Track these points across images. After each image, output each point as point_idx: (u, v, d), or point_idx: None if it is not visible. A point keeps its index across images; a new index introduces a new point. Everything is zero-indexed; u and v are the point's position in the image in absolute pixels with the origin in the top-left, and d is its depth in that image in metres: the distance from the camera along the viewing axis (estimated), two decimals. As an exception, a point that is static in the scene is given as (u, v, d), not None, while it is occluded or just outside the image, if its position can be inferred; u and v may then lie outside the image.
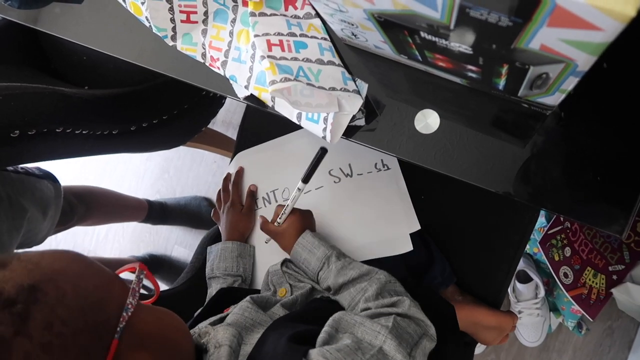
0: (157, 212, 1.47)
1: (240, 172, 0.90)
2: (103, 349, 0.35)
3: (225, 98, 1.15)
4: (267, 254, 0.82)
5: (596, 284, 1.12)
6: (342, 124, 0.56)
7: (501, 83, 0.47)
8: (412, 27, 0.41)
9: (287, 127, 0.90)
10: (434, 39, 0.41)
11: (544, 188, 0.55)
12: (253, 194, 0.87)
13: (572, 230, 1.11)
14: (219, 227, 0.88)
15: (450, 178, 0.84)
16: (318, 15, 0.59)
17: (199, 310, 0.70)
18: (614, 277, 1.12)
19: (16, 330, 0.31)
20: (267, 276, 0.76)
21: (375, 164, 0.81)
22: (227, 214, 0.85)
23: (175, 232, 1.58)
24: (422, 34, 0.41)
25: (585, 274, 1.11)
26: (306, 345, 0.45)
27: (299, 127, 0.90)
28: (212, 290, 0.79)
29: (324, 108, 0.54)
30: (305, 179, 0.68)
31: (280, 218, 0.73)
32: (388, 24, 0.42)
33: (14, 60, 1.00)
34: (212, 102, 1.09)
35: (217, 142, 1.40)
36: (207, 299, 0.78)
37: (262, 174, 0.88)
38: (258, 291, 0.82)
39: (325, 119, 0.56)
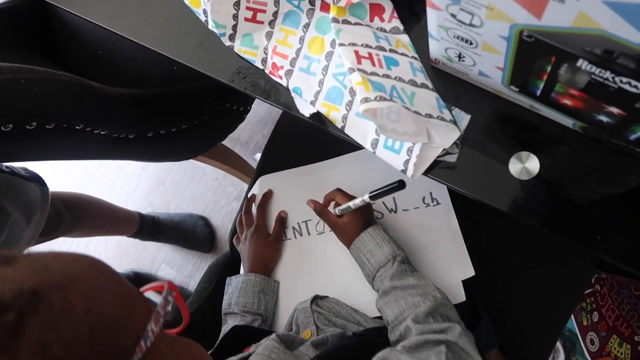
0: (148, 227, 1.34)
1: (268, 195, 0.80)
2: None
3: (247, 113, 1.06)
4: (293, 292, 0.72)
5: (621, 353, 1.05)
6: (429, 158, 0.48)
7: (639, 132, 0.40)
8: (572, 53, 0.33)
9: (319, 155, 0.81)
10: (593, 69, 0.34)
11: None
12: (283, 220, 0.77)
13: (601, 294, 1.05)
14: (240, 255, 0.77)
15: (503, 230, 0.77)
16: (406, 31, 0.52)
17: (210, 350, 0.60)
18: (640, 348, 1.06)
19: (0, 347, 0.24)
20: (293, 314, 0.66)
21: (424, 197, 0.72)
22: (251, 240, 0.75)
23: (164, 250, 1.45)
24: (579, 63, 0.34)
25: (611, 342, 1.04)
26: None
27: (333, 156, 0.83)
28: (228, 327, 0.68)
29: (410, 137, 0.46)
30: (373, 197, 0.61)
31: (339, 210, 0.67)
32: (536, 45, 0.35)
33: (19, 44, 0.90)
34: (234, 115, 1.00)
35: (224, 159, 1.30)
36: (221, 336, 0.67)
37: (293, 202, 0.78)
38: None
39: (410, 150, 0.48)
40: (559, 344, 1.11)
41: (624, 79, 0.33)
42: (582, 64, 0.34)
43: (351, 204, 0.64)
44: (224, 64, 0.58)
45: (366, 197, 0.61)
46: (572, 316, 1.01)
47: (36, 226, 0.89)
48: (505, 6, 0.32)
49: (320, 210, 0.70)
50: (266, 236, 0.76)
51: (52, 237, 1.02)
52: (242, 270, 0.75)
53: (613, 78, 0.34)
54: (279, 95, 0.56)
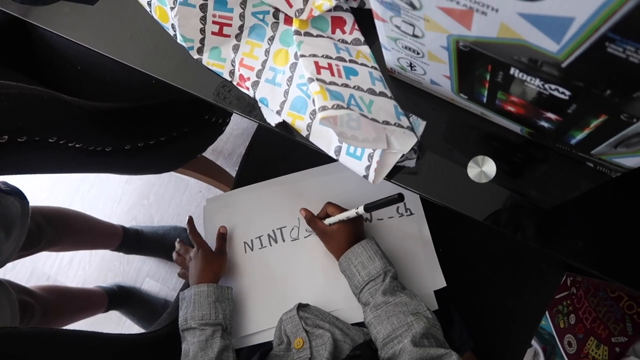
0: (132, 241, 1.35)
1: (191, 220, 0.83)
2: None
3: (226, 125, 1.08)
4: (271, 301, 0.73)
5: (599, 355, 1.07)
6: (389, 164, 0.50)
7: (578, 137, 0.42)
8: (503, 62, 0.36)
9: (296, 166, 0.83)
10: (525, 77, 0.36)
11: (593, 248, 0.50)
12: (223, 236, 0.80)
13: (577, 297, 1.07)
14: (189, 277, 0.76)
15: (473, 233, 0.79)
16: (367, 43, 0.54)
17: None
18: (617, 349, 1.07)
19: None
20: (279, 326, 0.67)
21: (397, 207, 0.74)
22: (196, 257, 0.75)
23: (148, 264, 1.46)
24: (512, 71, 0.36)
25: (589, 344, 1.06)
26: None
27: (310, 167, 0.85)
28: (188, 345, 0.66)
29: (370, 143, 0.48)
30: (368, 209, 0.61)
31: (330, 221, 0.68)
32: (472, 55, 0.37)
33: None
34: (213, 127, 1.02)
35: (207, 171, 1.31)
36: (182, 357, 0.66)
37: (268, 210, 0.80)
38: (254, 348, 0.73)
39: (371, 156, 0.50)
40: (539, 348, 1.13)
41: (552, 86, 0.35)
42: (514, 72, 0.37)
43: (344, 216, 0.65)
44: (209, 80, 0.59)
45: (360, 209, 0.62)
46: (549, 319, 1.03)
47: (16, 240, 0.89)
48: (438, 18, 0.35)
49: (310, 217, 0.71)
50: (211, 250, 0.77)
51: (34, 251, 1.03)
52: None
53: (543, 85, 0.36)
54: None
